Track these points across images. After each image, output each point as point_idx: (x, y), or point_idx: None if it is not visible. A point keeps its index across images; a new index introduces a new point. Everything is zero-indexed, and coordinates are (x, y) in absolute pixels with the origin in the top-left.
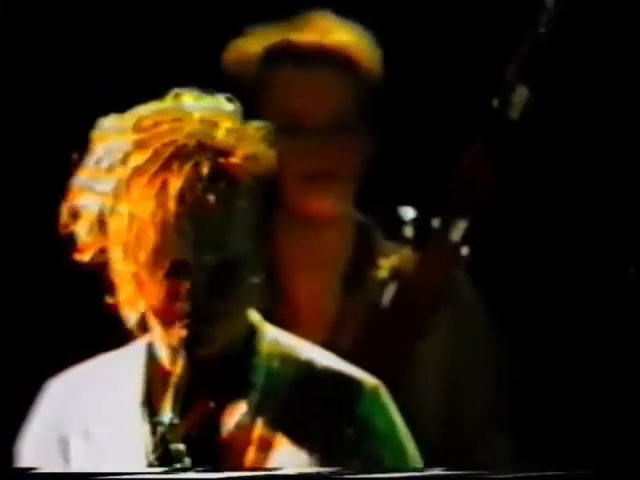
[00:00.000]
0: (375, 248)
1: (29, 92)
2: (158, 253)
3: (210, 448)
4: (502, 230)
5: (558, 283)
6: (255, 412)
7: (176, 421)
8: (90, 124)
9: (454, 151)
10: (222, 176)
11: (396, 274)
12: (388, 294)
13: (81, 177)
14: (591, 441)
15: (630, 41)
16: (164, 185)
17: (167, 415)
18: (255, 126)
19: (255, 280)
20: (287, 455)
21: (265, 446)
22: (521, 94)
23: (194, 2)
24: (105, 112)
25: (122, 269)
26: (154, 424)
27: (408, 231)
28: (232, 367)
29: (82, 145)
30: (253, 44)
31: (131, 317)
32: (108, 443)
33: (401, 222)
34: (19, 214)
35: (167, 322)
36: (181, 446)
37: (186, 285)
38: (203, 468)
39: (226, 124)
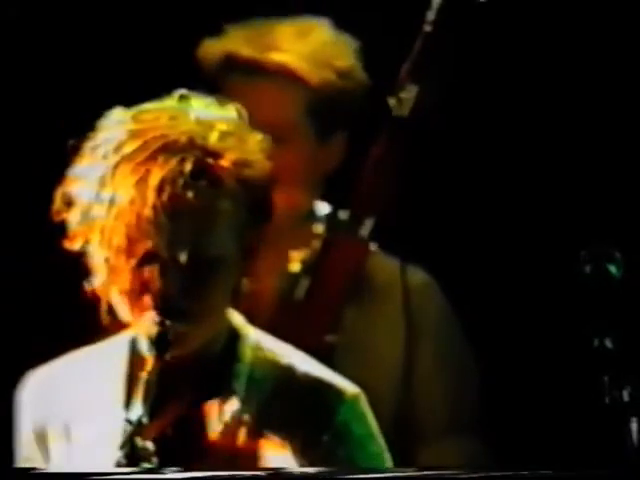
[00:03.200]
0: None
1: (39, 84)
2: (132, 241)
3: (186, 451)
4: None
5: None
6: (237, 418)
7: (145, 419)
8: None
9: (364, 149)
10: (205, 175)
11: (308, 268)
12: (301, 287)
13: (78, 165)
14: (554, 443)
15: (517, 39)
16: (146, 175)
17: (136, 413)
18: (257, 137)
19: (236, 284)
20: (267, 461)
21: (245, 452)
22: (410, 91)
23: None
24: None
25: (97, 253)
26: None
27: (320, 226)
28: (213, 371)
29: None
30: (216, 47)
31: (107, 305)
32: (88, 440)
33: (314, 217)
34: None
35: (137, 313)
36: (149, 444)
37: (157, 278)
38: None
39: (222, 127)
